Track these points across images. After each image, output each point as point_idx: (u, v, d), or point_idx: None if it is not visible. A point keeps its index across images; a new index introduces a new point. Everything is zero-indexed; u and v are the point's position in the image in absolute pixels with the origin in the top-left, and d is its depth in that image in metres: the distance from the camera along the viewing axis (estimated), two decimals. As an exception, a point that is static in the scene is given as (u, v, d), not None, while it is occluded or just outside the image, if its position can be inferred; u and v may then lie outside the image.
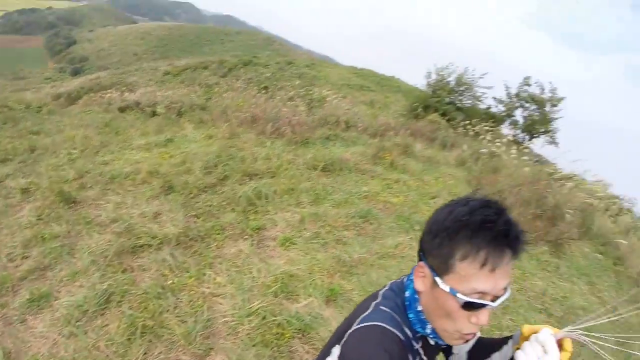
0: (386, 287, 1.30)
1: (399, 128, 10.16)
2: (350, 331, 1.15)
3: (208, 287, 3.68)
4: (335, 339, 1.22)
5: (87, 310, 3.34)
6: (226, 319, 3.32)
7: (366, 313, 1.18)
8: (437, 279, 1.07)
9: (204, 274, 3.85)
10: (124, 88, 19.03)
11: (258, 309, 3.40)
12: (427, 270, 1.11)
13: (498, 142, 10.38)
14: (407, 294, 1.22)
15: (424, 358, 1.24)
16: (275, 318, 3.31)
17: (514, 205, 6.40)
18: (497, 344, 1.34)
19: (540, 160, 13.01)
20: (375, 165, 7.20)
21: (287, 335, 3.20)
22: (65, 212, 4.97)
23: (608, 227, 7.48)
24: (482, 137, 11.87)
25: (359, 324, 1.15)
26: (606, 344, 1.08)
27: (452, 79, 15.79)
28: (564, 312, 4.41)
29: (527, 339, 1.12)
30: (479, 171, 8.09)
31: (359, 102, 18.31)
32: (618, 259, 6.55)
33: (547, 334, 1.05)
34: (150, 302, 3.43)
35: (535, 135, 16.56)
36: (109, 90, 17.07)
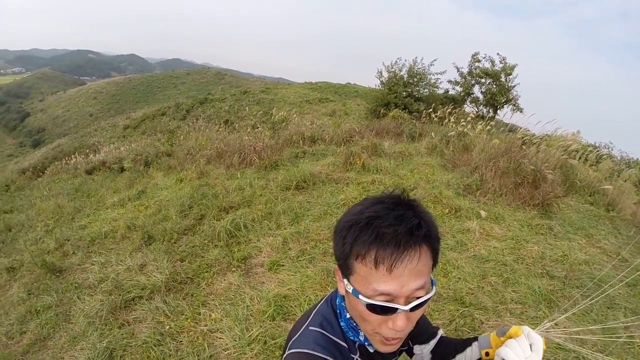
0: (323, 299, 1.27)
1: (363, 131, 10.27)
2: (284, 356, 1.12)
3: (205, 325, 3.71)
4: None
5: (93, 371, 3.36)
6: (228, 351, 3.35)
7: (296, 336, 1.15)
8: (345, 280, 1.02)
9: (199, 313, 3.88)
10: (88, 150, 19.05)
11: (257, 335, 3.44)
12: (339, 273, 1.06)
13: (463, 122, 10.54)
14: (337, 301, 1.19)
15: None
16: (275, 341, 3.36)
17: (493, 178, 6.48)
18: (460, 345, 1.34)
19: (510, 130, 13.24)
20: (348, 171, 7.24)
21: (290, 356, 3.21)
22: (53, 282, 5.07)
23: (591, 176, 7.52)
24: (446, 120, 12.05)
25: (289, 349, 1.11)
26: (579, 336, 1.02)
27: (404, 72, 16.00)
28: (566, 270, 4.38)
29: (500, 343, 1.09)
30: (452, 154, 8.15)
31: (320, 115, 18.53)
32: (609, 205, 6.63)
33: (533, 333, 1.00)
34: (151, 350, 3.46)
35: (498, 107, 16.85)
36: (73, 156, 17.05)
